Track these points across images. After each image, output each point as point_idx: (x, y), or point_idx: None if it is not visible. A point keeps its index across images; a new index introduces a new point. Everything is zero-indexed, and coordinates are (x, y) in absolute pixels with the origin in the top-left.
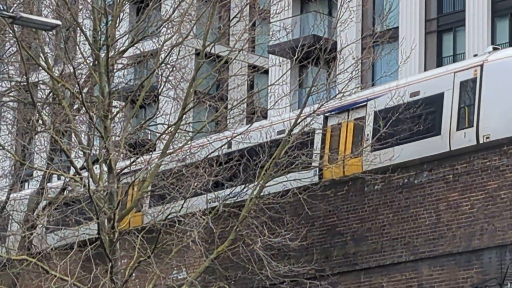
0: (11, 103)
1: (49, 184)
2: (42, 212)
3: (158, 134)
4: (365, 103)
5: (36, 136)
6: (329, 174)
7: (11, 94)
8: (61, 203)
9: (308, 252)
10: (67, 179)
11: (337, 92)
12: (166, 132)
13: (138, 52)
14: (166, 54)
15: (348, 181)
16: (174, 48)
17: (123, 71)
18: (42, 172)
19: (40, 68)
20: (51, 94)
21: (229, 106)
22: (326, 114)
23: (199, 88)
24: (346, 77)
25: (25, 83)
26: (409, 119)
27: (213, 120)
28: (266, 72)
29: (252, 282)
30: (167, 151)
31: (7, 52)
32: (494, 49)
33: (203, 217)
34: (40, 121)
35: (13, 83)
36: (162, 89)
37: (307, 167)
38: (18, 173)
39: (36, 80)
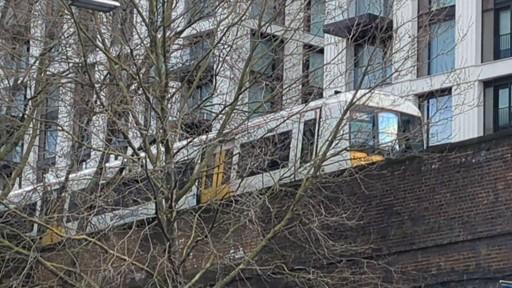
0: (69, 85)
1: (107, 165)
2: (101, 192)
3: (214, 114)
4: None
5: (94, 117)
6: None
7: (69, 75)
8: (119, 183)
9: (364, 232)
10: (125, 160)
11: (393, 71)
12: (223, 112)
13: (194, 32)
14: (222, 34)
15: (405, 161)
16: (230, 28)
17: (179, 51)
18: (100, 153)
19: (98, 49)
20: (108, 75)
21: (284, 86)
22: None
23: (255, 68)
24: (402, 56)
25: (83, 65)
26: (265, 154)
27: (269, 100)
28: (321, 51)
29: (309, 261)
30: (224, 131)
31: (65, 33)
32: (336, 92)
33: (260, 196)
34: (98, 102)
35: (71, 65)
36: (219, 69)
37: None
38: (77, 153)
39: (94, 61)
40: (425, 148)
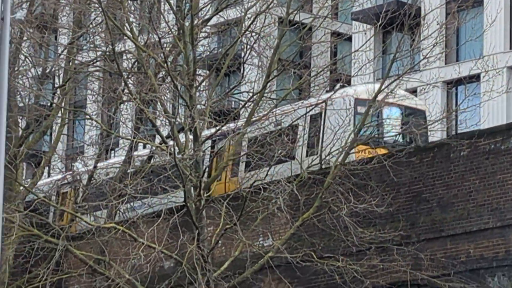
0: (97, 73)
1: (135, 153)
2: (129, 180)
3: (242, 102)
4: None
5: (122, 106)
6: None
7: (97, 64)
8: (148, 172)
9: (393, 219)
10: (153, 148)
11: (421, 57)
12: (251, 100)
13: (222, 20)
14: (250, 22)
15: (433, 148)
16: (258, 15)
17: (207, 39)
18: (129, 141)
19: (126, 37)
20: (136, 63)
21: (312, 73)
22: (214, 138)
23: (283, 56)
24: (431, 43)
25: (111, 53)
26: (273, 146)
27: (297, 88)
28: (349, 39)
29: (338, 249)
30: (252, 119)
31: (93, 22)
32: (342, 87)
33: (288, 184)
34: (126, 91)
35: (99, 53)
36: (246, 57)
37: None
38: (105, 142)
39: (122, 50)
40: (454, 135)
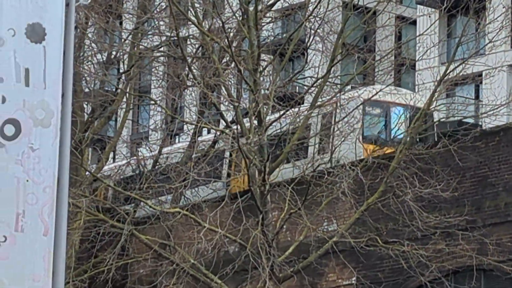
0: (161, 58)
1: (199, 138)
2: (194, 165)
3: (306, 87)
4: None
5: (186, 90)
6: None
7: (161, 49)
8: (212, 157)
9: (459, 203)
10: (218, 133)
11: (486, 41)
12: (315, 85)
13: (286, 5)
14: (314, 6)
15: (499, 132)
16: (322, 0)
17: (271, 24)
18: (193, 126)
19: (190, 22)
20: (200, 48)
21: (377, 58)
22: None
23: (347, 40)
24: (496, 27)
25: (175, 38)
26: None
27: (361, 72)
28: (414, 22)
29: (403, 234)
30: (316, 104)
31: (158, 7)
32: (352, 88)
33: (353, 168)
34: (190, 75)
35: (163, 38)
36: (310, 42)
37: None
38: (170, 127)
39: (186, 34)
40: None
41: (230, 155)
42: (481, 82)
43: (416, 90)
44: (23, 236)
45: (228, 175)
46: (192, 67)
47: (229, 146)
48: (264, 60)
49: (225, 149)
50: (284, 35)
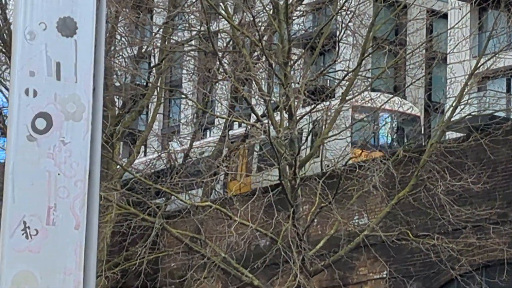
0: (192, 52)
1: (230, 132)
2: (225, 159)
3: (337, 81)
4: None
5: (217, 84)
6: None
7: (192, 43)
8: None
9: (490, 197)
10: (248, 126)
11: None
12: (345, 78)
13: None
14: (344, 0)
15: None
16: None
17: (302, 18)
18: (224, 120)
19: (220, 17)
20: (231, 42)
21: (408, 51)
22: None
23: (378, 34)
24: None
25: (206, 32)
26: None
27: (392, 66)
28: (445, 16)
29: (434, 227)
30: (347, 97)
31: (188, 1)
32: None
33: (384, 162)
34: (221, 70)
35: (194, 33)
36: (341, 35)
37: None
38: (201, 121)
39: (217, 29)
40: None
41: (261, 149)
42: None
43: (448, 84)
44: (55, 229)
45: (259, 169)
46: (223, 61)
47: (259, 140)
48: (294, 53)
49: (255, 143)
50: (315, 28)
